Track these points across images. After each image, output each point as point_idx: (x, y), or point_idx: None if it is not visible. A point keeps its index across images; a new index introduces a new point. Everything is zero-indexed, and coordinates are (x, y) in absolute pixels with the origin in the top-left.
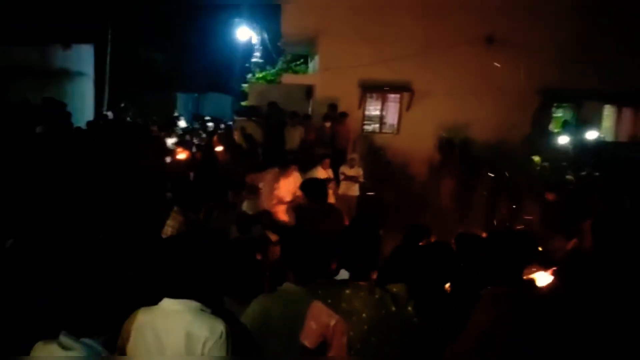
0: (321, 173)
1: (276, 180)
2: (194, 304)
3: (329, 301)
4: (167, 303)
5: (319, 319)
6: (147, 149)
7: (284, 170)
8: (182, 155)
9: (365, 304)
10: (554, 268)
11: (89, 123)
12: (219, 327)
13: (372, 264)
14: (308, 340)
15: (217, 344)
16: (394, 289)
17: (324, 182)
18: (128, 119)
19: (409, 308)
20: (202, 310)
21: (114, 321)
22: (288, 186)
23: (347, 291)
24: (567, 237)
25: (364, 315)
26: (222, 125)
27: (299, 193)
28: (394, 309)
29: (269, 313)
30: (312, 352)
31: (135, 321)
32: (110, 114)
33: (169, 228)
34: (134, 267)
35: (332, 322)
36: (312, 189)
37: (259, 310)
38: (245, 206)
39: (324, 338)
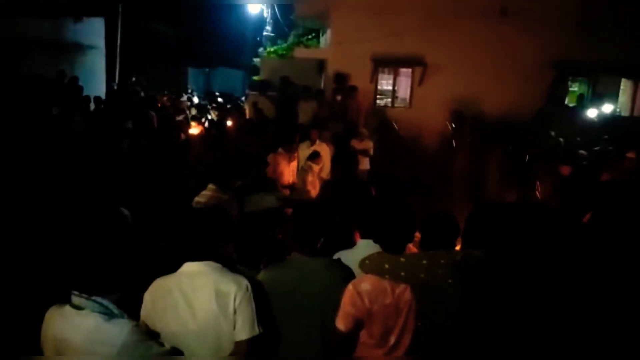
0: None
1: (280, 163)
2: (215, 264)
3: (402, 274)
4: (189, 266)
5: (357, 306)
6: (165, 125)
7: (287, 149)
8: (194, 130)
9: (448, 269)
10: None
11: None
12: (244, 281)
13: (407, 237)
14: (343, 324)
15: (246, 297)
16: (474, 252)
17: (354, 155)
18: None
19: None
20: (223, 268)
21: (123, 281)
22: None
23: (424, 261)
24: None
25: (449, 280)
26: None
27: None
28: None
29: (274, 282)
30: (345, 336)
31: (156, 288)
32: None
33: (202, 200)
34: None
35: (375, 307)
36: (343, 161)
37: (264, 279)
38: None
39: (359, 322)
